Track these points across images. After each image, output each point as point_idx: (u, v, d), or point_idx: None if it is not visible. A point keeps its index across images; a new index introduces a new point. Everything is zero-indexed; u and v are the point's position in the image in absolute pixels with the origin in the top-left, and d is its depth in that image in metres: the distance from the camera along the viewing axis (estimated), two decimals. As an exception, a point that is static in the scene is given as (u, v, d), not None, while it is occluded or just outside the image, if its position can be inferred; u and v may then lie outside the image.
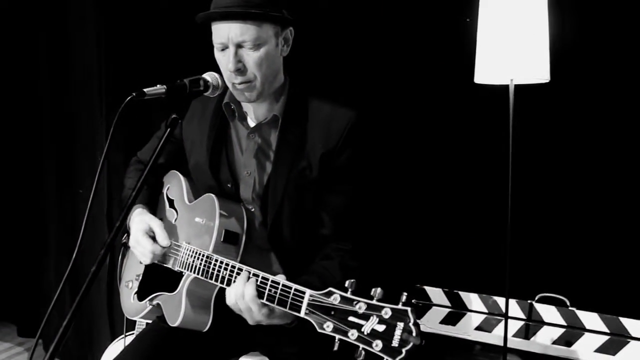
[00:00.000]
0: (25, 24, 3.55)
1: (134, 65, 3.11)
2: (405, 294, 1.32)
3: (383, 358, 1.30)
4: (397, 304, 1.32)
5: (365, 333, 1.32)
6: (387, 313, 1.31)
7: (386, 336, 1.30)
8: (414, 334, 1.28)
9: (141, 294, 1.98)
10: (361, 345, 1.33)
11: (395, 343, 1.29)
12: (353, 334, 1.34)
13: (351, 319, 1.35)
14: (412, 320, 1.29)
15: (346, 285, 1.39)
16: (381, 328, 1.31)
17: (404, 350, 1.28)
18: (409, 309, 1.30)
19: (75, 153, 3.36)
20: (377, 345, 1.30)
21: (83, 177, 3.33)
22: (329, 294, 1.41)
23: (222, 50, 1.76)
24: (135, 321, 2.15)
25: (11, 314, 3.94)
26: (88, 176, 3.23)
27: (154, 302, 1.93)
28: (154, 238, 1.85)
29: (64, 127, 3.38)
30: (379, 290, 1.35)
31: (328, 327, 1.38)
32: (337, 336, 1.37)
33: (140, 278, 2.01)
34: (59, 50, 3.36)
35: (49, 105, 3.44)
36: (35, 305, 3.69)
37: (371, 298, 1.35)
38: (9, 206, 3.89)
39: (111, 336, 3.19)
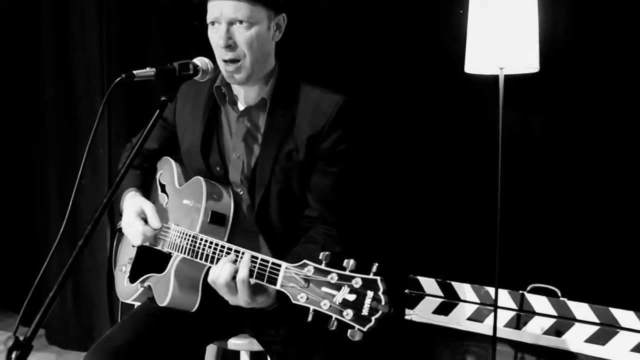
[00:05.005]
0: (28, 22, 3.60)
1: (138, 60, 3.16)
2: (376, 264, 1.33)
3: (354, 327, 1.32)
4: (368, 274, 1.34)
5: (337, 303, 1.34)
6: (357, 283, 1.33)
7: (357, 305, 1.32)
8: (383, 302, 1.29)
9: (133, 277, 2.01)
10: (333, 315, 1.34)
11: (365, 312, 1.30)
12: (325, 304, 1.35)
13: (324, 289, 1.37)
14: (381, 289, 1.30)
15: (320, 257, 1.41)
16: (352, 297, 1.33)
17: (373, 319, 1.30)
18: (378, 278, 1.31)
19: (77, 145, 3.40)
20: (348, 314, 1.32)
21: (85, 169, 3.37)
22: (303, 265, 1.43)
23: (215, 27, 1.79)
24: (133, 306, 2.19)
25: (14, 304, 3.99)
26: (89, 168, 3.28)
27: (145, 284, 1.96)
28: (145, 220, 1.89)
29: (66, 120, 3.43)
30: (351, 261, 1.36)
31: (302, 298, 1.40)
32: (311, 307, 1.38)
33: (132, 261, 2.04)
34: (61, 47, 3.41)
35: (51, 98, 3.49)
36: (37, 294, 3.73)
37: (344, 269, 1.37)
38: (11, 198, 3.94)
39: (111, 323, 3.24)
